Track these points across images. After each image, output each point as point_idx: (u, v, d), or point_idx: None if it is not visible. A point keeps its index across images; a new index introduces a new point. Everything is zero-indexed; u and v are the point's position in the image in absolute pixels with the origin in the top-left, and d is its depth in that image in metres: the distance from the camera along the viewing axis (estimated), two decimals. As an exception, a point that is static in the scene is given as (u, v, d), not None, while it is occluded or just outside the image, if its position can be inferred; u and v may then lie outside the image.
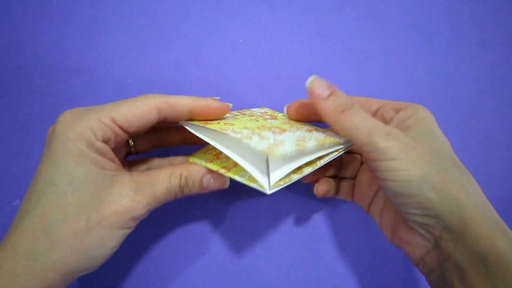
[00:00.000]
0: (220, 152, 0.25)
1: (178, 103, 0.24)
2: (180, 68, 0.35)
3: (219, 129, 0.24)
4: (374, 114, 0.28)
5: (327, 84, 0.24)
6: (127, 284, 0.31)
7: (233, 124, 0.25)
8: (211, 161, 0.25)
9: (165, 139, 0.29)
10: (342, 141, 0.25)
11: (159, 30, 0.35)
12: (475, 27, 0.37)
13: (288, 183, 0.22)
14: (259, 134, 0.24)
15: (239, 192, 0.33)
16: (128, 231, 0.23)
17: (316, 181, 0.30)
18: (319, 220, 0.34)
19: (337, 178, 0.32)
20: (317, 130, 0.27)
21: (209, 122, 0.26)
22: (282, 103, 0.33)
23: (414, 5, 0.37)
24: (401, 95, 0.35)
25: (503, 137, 0.35)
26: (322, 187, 0.30)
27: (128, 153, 0.29)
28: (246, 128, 0.25)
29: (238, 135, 0.23)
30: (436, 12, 0.37)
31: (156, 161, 0.29)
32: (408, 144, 0.22)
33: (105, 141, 0.23)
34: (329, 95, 0.24)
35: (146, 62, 0.35)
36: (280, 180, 0.21)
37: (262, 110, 0.31)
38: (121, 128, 0.23)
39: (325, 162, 0.25)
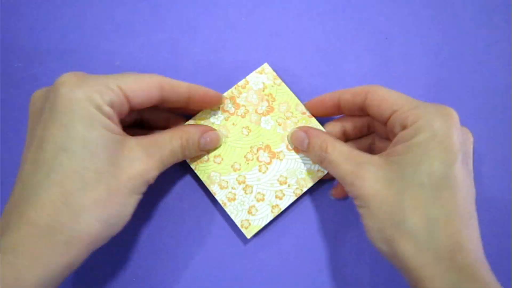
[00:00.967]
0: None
1: (179, 86, 0.25)
2: (174, 49, 0.33)
3: (207, 181, 0.29)
4: (385, 123, 0.25)
5: (302, 136, 0.28)
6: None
7: (222, 160, 0.29)
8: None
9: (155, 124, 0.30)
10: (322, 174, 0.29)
11: (151, 6, 0.34)
12: (509, 2, 0.34)
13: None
14: (244, 182, 0.29)
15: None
16: (140, 197, 0.24)
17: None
18: (314, 213, 0.31)
19: None
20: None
21: (200, 161, 0.29)
22: (290, 87, 0.31)
23: (440, -23, 0.34)
24: (423, 79, 0.33)
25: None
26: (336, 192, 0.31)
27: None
28: (233, 168, 0.29)
29: (223, 196, 0.29)
30: (465, -15, 0.35)
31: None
32: (371, 189, 0.22)
33: (111, 107, 0.22)
34: (307, 146, 0.27)
35: (136, 43, 0.33)
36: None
37: (255, 98, 0.31)
38: (126, 98, 0.23)
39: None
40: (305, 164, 0.29)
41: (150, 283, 0.29)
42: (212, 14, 0.34)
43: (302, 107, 0.30)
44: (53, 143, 0.20)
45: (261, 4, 0.34)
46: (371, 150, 0.30)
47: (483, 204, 0.30)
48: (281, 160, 0.29)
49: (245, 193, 0.29)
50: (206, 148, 0.28)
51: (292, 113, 0.30)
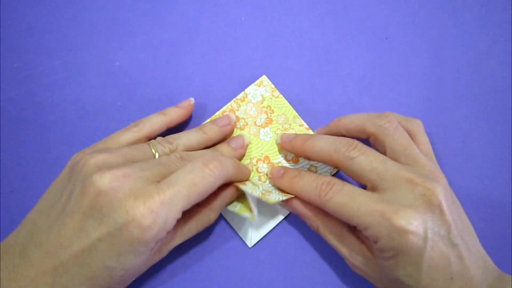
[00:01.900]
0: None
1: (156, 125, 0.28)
2: (174, 50, 0.33)
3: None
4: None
5: (278, 168, 0.29)
6: None
7: None
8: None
9: None
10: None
11: (151, 6, 0.33)
12: (509, 2, 0.34)
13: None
14: (250, 180, 0.29)
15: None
16: None
17: None
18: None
19: None
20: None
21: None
22: (290, 88, 0.31)
23: (440, -22, 0.34)
24: (423, 79, 0.33)
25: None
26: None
27: None
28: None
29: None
30: (465, -15, 0.34)
31: None
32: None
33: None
34: (283, 174, 0.28)
35: (136, 43, 0.33)
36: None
37: (254, 110, 0.31)
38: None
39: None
40: None
41: (152, 285, 0.29)
42: (212, 14, 0.33)
43: (300, 120, 0.31)
44: (100, 258, 0.22)
45: (261, 4, 0.34)
46: None
47: (483, 204, 0.30)
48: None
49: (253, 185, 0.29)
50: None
51: (290, 125, 0.31)
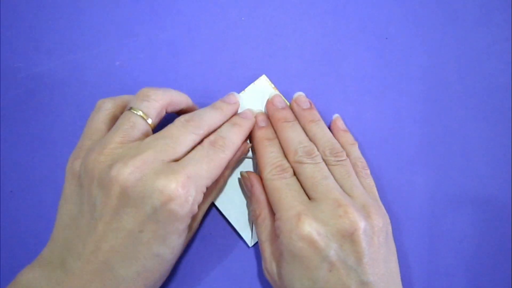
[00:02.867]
0: None
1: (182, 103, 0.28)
2: (174, 49, 0.33)
3: None
4: None
5: (265, 118, 0.30)
6: None
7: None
8: None
9: None
10: None
11: (151, 6, 0.33)
12: (509, 2, 0.34)
13: None
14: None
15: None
16: None
17: None
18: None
19: None
20: None
21: None
22: (290, 88, 0.31)
23: (440, -22, 0.34)
24: (423, 79, 0.33)
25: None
26: None
27: None
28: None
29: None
30: (465, -15, 0.34)
31: None
32: (273, 272, 0.26)
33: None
34: (264, 127, 0.29)
35: (136, 43, 0.33)
36: None
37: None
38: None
39: None
40: None
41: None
42: (212, 14, 0.33)
43: None
44: (149, 249, 0.22)
45: (261, 4, 0.33)
46: None
47: (483, 204, 0.30)
48: None
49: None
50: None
51: None
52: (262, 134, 0.28)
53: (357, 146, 0.30)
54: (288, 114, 0.29)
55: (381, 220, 0.24)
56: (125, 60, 0.32)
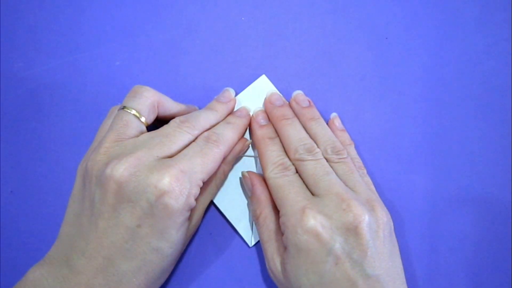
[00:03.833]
0: None
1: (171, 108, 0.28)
2: (174, 50, 0.33)
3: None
4: None
5: (265, 115, 0.30)
6: None
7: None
8: None
9: None
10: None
11: (151, 6, 0.33)
12: (509, 2, 0.34)
13: None
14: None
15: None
16: None
17: None
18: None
19: None
20: None
21: None
22: (290, 88, 0.31)
23: (440, -22, 0.34)
24: (423, 79, 0.33)
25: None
26: None
27: None
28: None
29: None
30: (465, -15, 0.34)
31: None
32: (278, 271, 0.26)
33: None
34: (264, 126, 0.29)
35: (136, 43, 0.33)
36: None
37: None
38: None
39: None
40: None
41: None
42: (212, 14, 0.33)
43: None
44: (147, 243, 0.22)
45: (261, 4, 0.33)
46: None
47: (483, 204, 0.30)
48: None
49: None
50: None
51: None
52: (263, 133, 0.28)
53: (353, 147, 0.30)
54: (287, 111, 0.29)
55: (385, 215, 0.24)
56: (125, 60, 0.32)
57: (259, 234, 0.27)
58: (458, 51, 0.33)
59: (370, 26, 0.33)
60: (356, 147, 0.31)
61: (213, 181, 0.28)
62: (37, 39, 0.33)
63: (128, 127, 0.25)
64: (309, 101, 0.30)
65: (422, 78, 0.33)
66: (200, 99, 0.31)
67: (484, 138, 0.32)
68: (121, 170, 0.22)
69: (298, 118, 0.29)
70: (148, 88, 0.26)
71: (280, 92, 0.32)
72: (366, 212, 0.23)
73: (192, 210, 0.25)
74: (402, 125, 0.32)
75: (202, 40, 0.33)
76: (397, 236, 0.26)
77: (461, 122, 0.32)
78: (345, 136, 0.30)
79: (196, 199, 0.24)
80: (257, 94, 0.31)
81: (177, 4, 0.33)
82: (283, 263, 0.25)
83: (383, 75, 0.33)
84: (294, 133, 0.27)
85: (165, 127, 0.25)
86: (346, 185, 0.25)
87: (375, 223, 0.23)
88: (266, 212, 0.27)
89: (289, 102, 0.30)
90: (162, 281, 0.25)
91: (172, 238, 0.23)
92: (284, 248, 0.25)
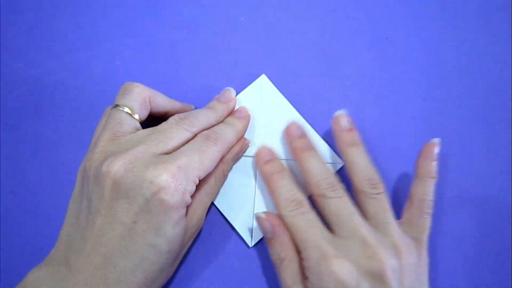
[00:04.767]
0: None
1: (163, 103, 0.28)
2: (174, 49, 0.33)
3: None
4: None
5: (269, 151, 0.29)
6: None
7: None
8: None
9: None
10: None
11: (151, 6, 0.33)
12: (509, 2, 0.34)
13: None
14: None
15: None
16: None
17: None
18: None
19: None
20: None
21: None
22: (290, 88, 0.31)
23: (440, -22, 0.34)
24: (423, 79, 0.33)
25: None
26: None
27: None
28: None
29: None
30: (465, -15, 0.34)
31: None
32: None
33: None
34: (269, 161, 0.28)
35: (136, 43, 0.33)
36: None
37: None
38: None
39: None
40: None
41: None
42: (212, 14, 0.33)
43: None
44: (143, 239, 0.22)
45: (261, 4, 0.33)
46: None
47: (483, 204, 0.30)
48: None
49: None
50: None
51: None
52: (270, 169, 0.27)
53: (434, 182, 0.28)
54: (307, 143, 0.28)
55: (412, 258, 0.24)
56: (125, 60, 0.32)
57: (282, 278, 0.25)
58: (458, 51, 0.33)
59: (370, 26, 0.33)
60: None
61: (212, 181, 0.28)
62: (37, 39, 0.33)
63: (122, 124, 0.25)
64: (352, 123, 0.28)
65: (422, 78, 0.33)
66: (200, 99, 0.31)
67: (484, 138, 0.32)
68: (117, 166, 0.22)
69: (336, 141, 0.28)
70: (138, 84, 0.26)
71: (280, 92, 0.32)
72: (392, 257, 0.23)
73: (189, 208, 0.25)
74: (401, 125, 0.32)
75: (202, 40, 0.33)
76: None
77: (461, 122, 0.32)
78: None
79: (193, 197, 0.24)
80: (257, 94, 0.31)
81: (176, 4, 0.33)
82: None
83: (383, 75, 0.33)
84: (315, 166, 0.26)
85: (163, 124, 0.25)
86: (376, 226, 0.24)
87: (399, 270, 0.23)
88: (291, 255, 0.25)
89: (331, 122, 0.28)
90: (161, 281, 0.25)
91: (168, 234, 0.23)
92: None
